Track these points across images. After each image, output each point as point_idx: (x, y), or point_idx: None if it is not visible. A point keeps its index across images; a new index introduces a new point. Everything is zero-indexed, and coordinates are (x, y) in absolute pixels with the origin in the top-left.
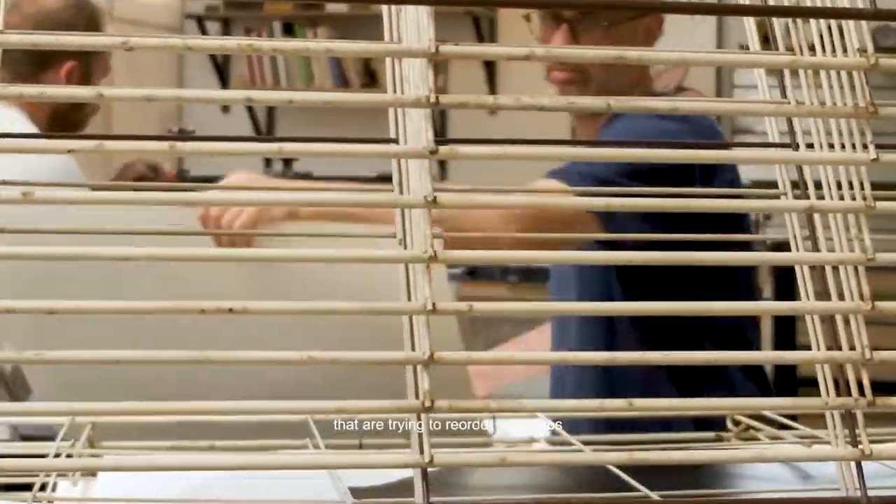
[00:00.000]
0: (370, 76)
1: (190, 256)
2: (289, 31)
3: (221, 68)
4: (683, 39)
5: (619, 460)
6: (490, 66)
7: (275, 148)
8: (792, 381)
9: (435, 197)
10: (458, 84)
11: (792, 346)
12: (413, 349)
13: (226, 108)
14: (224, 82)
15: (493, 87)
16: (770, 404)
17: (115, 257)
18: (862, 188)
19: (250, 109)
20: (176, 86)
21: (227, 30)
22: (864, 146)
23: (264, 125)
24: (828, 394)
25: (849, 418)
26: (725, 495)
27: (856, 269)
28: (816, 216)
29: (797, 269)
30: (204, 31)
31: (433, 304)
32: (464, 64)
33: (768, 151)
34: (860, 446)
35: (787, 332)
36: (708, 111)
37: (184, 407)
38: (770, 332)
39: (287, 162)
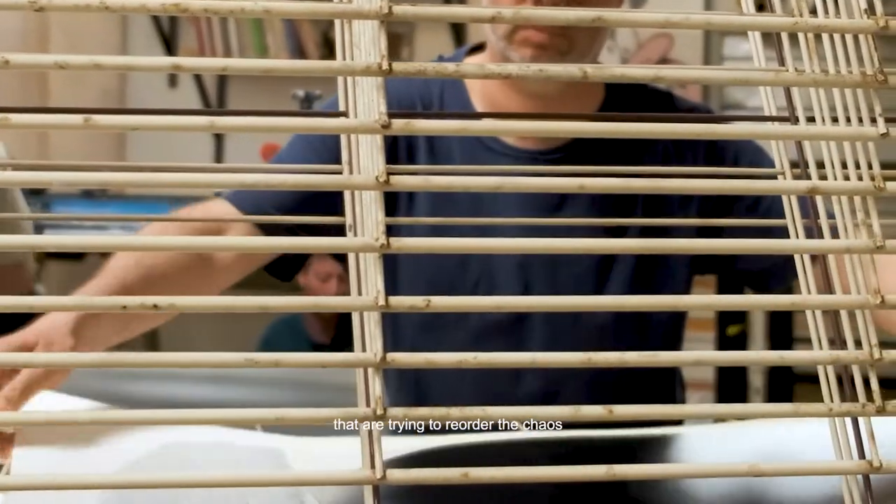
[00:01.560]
0: (329, 48)
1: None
2: None
3: (168, 40)
4: (669, 6)
5: (595, 475)
6: (458, 32)
7: (205, 122)
8: (788, 378)
9: (388, 177)
10: (425, 58)
11: (789, 340)
12: (364, 349)
13: (173, 83)
14: (171, 54)
15: None
16: (770, 410)
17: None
18: (870, 167)
19: (199, 85)
20: (119, 50)
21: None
22: (873, 120)
23: (215, 102)
24: (832, 398)
25: (855, 425)
26: None
27: (862, 258)
28: (819, 199)
29: (797, 259)
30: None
31: (385, 299)
32: (432, 37)
33: (764, 126)
34: (868, 457)
35: (784, 325)
36: (698, 80)
37: (118, 416)
38: (763, 325)
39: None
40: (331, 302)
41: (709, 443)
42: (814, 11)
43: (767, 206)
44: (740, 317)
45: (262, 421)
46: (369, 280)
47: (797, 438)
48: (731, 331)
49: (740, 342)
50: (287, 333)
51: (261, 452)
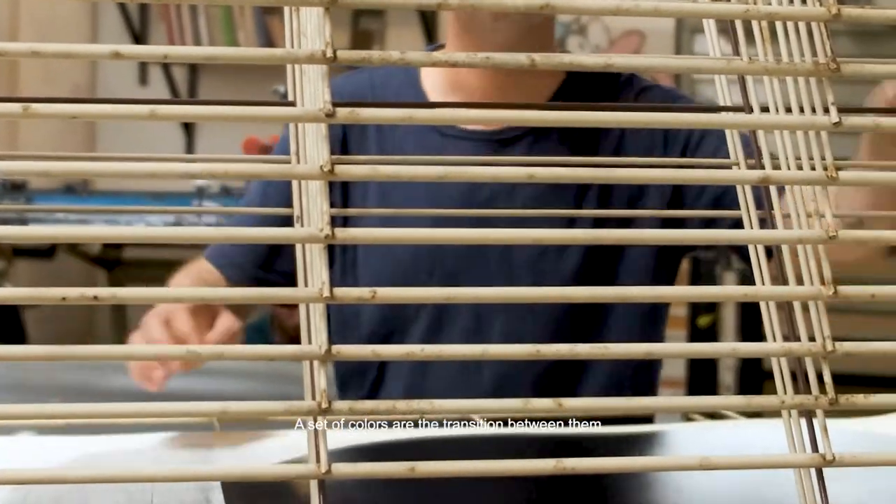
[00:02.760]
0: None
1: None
2: None
3: (138, 36)
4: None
5: (544, 469)
6: (429, 29)
7: (146, 111)
8: (758, 374)
9: (332, 166)
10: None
11: (758, 336)
12: (309, 341)
13: (143, 79)
14: (141, 41)
15: None
16: (723, 403)
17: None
18: (823, 158)
19: (169, 80)
20: (88, 40)
21: None
22: (826, 109)
23: (186, 97)
24: (784, 391)
25: (808, 418)
26: None
27: (815, 248)
28: (773, 189)
29: (751, 249)
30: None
31: (330, 291)
32: (403, 34)
33: (717, 115)
34: (821, 451)
35: (754, 322)
36: (649, 68)
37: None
38: (734, 321)
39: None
40: (276, 293)
41: (676, 440)
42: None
43: (715, 191)
44: (711, 306)
45: (205, 414)
46: (314, 271)
47: (766, 435)
48: (701, 321)
49: (711, 334)
50: (255, 338)
51: (187, 451)
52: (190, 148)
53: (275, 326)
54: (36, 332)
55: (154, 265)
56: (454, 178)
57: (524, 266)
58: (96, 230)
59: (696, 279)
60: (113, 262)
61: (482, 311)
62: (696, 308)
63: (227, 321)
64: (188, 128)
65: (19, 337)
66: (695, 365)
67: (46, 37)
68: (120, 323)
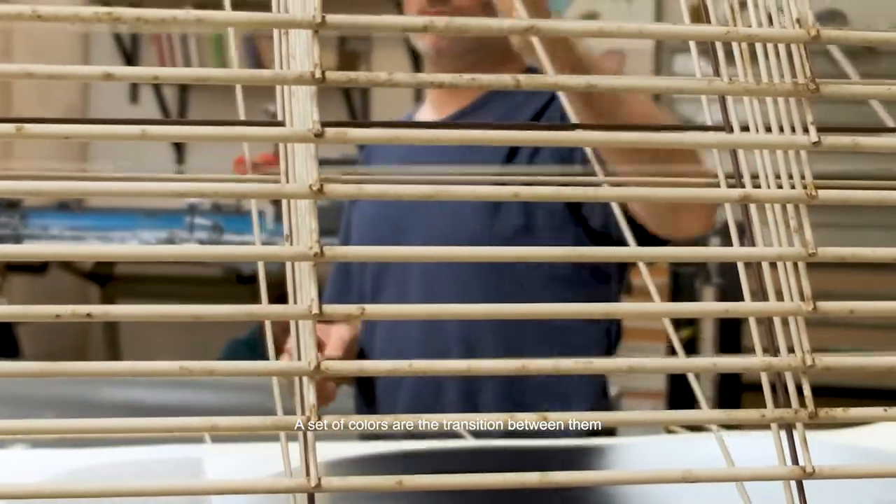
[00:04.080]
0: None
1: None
2: None
3: (130, 58)
4: (619, 18)
5: (529, 482)
6: (417, 61)
7: (137, 131)
8: (736, 387)
9: (321, 185)
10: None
11: (737, 349)
12: (298, 358)
13: (134, 98)
14: (132, 63)
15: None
16: (703, 417)
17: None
18: (802, 177)
19: (160, 100)
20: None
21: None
22: (805, 129)
23: (176, 116)
24: (765, 405)
25: (789, 432)
26: None
27: (795, 265)
28: (753, 207)
29: (739, 266)
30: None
31: (319, 308)
32: (389, 55)
33: (699, 135)
34: (802, 463)
35: (733, 335)
36: (632, 88)
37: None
38: (713, 334)
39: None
40: (266, 310)
41: (651, 453)
42: (750, 25)
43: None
44: (690, 320)
45: (195, 429)
46: (304, 289)
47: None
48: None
49: (691, 347)
50: (245, 354)
51: (175, 464)
52: (180, 164)
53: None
54: (30, 345)
55: (146, 280)
56: (443, 198)
57: (469, 223)
58: (90, 249)
59: (675, 294)
60: (105, 278)
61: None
62: (677, 323)
63: (340, 331)
64: (179, 145)
65: (13, 350)
66: (675, 377)
67: (40, 59)
68: (113, 337)
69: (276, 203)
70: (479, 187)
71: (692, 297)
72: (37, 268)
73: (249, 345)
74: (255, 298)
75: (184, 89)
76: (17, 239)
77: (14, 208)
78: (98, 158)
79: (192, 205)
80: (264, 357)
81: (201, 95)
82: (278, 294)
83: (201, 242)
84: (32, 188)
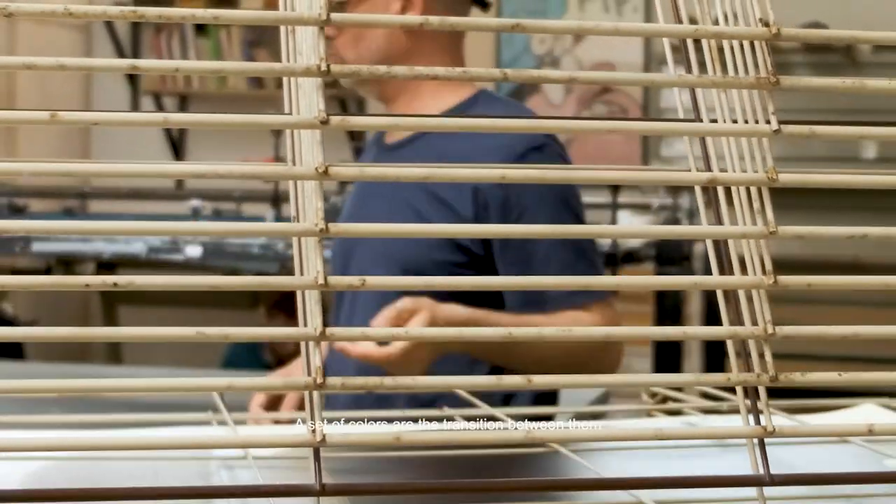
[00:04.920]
0: None
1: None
2: (201, 29)
3: None
4: (609, 39)
5: (515, 439)
6: None
7: (160, 118)
8: (720, 369)
9: (326, 168)
10: None
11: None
12: (305, 325)
13: (134, 105)
14: (133, 81)
15: None
16: (673, 380)
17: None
18: (765, 162)
19: (159, 106)
20: (83, 83)
21: (136, 27)
22: (768, 121)
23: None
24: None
25: (752, 394)
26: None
27: (758, 242)
28: (721, 190)
29: (707, 244)
30: (112, 29)
31: (325, 279)
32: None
33: (673, 124)
34: (763, 423)
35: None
36: (612, 82)
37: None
38: (700, 308)
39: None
40: (277, 281)
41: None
42: (717, 23)
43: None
44: (676, 316)
45: (213, 389)
46: (310, 262)
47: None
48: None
49: (676, 345)
50: (245, 355)
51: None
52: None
53: (266, 348)
54: (33, 347)
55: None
56: (437, 179)
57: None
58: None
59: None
60: None
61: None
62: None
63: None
64: (177, 149)
65: (17, 349)
66: (660, 361)
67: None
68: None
69: (276, 206)
70: (467, 170)
71: (676, 296)
72: (42, 272)
73: (249, 347)
74: (256, 303)
75: (183, 101)
76: (27, 241)
77: (21, 213)
78: (97, 156)
79: (195, 209)
80: (263, 356)
81: (201, 108)
82: (276, 299)
83: (204, 246)
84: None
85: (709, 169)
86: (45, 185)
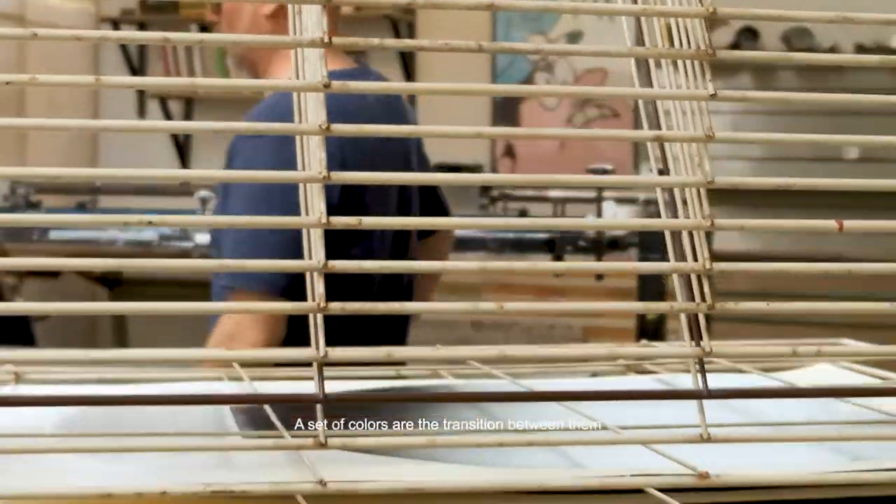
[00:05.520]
0: None
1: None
2: (205, 30)
3: (136, 69)
4: (602, 37)
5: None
6: (407, 66)
7: (187, 82)
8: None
9: (328, 125)
10: None
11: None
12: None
13: (141, 111)
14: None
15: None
16: (624, 308)
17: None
18: (704, 124)
19: (166, 112)
20: (91, 90)
21: (142, 29)
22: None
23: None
24: (676, 300)
25: (694, 321)
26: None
27: (699, 191)
28: (668, 147)
29: (658, 191)
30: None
31: (327, 219)
32: (381, 65)
33: (627, 89)
34: (702, 345)
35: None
36: (569, 52)
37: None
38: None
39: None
40: (283, 220)
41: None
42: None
43: None
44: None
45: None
46: (314, 205)
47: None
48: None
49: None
50: None
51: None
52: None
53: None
54: (44, 336)
55: (153, 283)
56: (424, 135)
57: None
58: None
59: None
60: (113, 282)
61: None
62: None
63: None
64: (182, 151)
65: (29, 340)
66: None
67: (52, 72)
68: (121, 333)
69: None
70: (452, 128)
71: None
72: (51, 272)
73: None
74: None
75: (189, 103)
76: (44, 231)
77: (35, 208)
78: (104, 162)
79: (203, 199)
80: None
81: (206, 108)
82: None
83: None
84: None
85: (658, 128)
86: (58, 182)
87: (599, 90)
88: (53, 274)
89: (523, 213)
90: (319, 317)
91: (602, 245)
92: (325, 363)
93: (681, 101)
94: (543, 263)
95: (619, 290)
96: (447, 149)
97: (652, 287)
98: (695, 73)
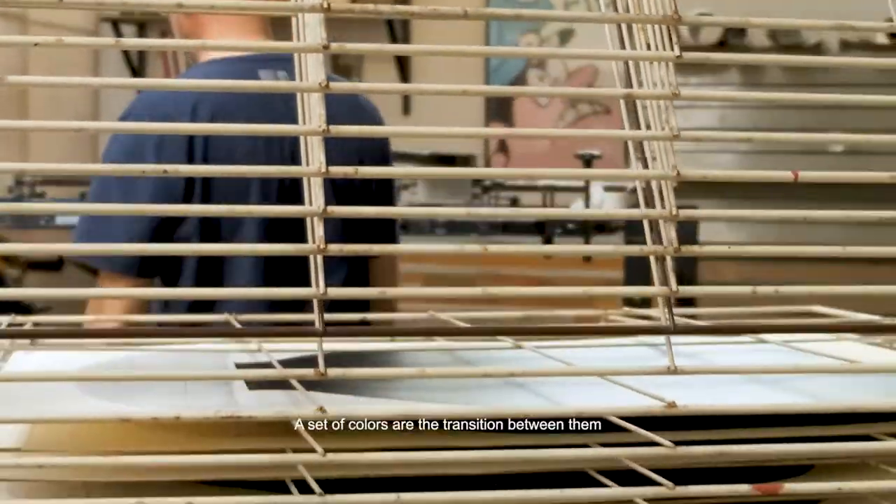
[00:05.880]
0: None
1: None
2: None
3: (137, 70)
4: (594, 37)
5: (473, 294)
6: (403, 67)
7: (198, 43)
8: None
9: (328, 83)
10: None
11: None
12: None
13: None
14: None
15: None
16: (599, 250)
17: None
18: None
19: None
20: (92, 88)
21: (142, 33)
22: (672, 48)
23: None
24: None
25: (662, 263)
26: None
27: (666, 145)
28: (639, 104)
29: (629, 144)
30: (119, 35)
31: (326, 169)
32: (378, 68)
33: (601, 51)
34: (669, 284)
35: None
36: (544, 18)
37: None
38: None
39: None
40: (282, 169)
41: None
42: None
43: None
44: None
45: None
46: (314, 157)
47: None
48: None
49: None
50: None
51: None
52: None
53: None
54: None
55: None
56: (413, 93)
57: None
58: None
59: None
60: None
61: None
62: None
63: None
64: None
65: None
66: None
67: (54, 72)
68: None
69: None
70: (438, 86)
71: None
72: (53, 264)
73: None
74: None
75: None
76: (51, 217)
77: (40, 198)
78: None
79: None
80: None
81: None
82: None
83: None
84: (57, 167)
85: (630, 86)
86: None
87: (585, 91)
88: (56, 267)
89: (514, 202)
90: (319, 258)
91: (590, 227)
92: (325, 299)
93: (650, 68)
94: (530, 247)
95: (604, 278)
96: (440, 140)
97: (637, 273)
98: (661, 32)
